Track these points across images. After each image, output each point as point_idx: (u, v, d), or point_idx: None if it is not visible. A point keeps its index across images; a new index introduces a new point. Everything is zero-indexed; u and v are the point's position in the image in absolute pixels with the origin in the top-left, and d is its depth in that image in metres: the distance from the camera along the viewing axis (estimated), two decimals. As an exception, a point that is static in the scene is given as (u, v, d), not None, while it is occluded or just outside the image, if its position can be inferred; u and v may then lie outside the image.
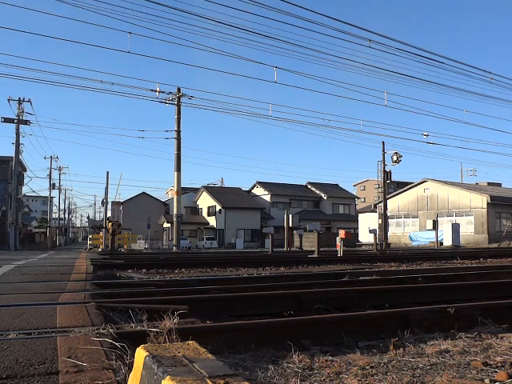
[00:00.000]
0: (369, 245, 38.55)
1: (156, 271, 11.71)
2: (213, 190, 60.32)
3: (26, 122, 36.56)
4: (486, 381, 2.88)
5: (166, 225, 58.61)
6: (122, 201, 54.06)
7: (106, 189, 30.99)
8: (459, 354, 3.57)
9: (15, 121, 36.25)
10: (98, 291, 6.51)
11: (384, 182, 34.58)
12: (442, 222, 38.88)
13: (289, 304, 5.93)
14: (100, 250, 28.35)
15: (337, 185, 67.71)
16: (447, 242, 36.61)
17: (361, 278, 9.10)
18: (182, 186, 32.73)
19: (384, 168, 34.27)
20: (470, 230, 41.60)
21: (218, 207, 56.04)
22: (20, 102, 36.07)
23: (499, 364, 3.23)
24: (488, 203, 40.83)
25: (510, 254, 20.17)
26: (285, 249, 28.87)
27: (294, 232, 29.95)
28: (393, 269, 12.61)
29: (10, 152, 39.62)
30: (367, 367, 3.18)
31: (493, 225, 41.25)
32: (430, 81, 42.80)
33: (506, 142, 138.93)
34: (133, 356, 2.57)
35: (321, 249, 20.72)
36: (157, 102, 29.23)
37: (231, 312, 5.52)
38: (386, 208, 35.28)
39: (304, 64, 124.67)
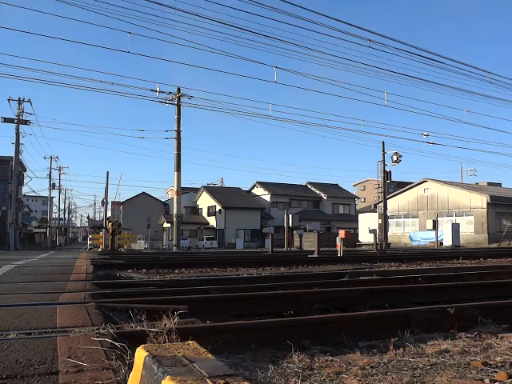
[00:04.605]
0: (369, 245, 38.54)
1: (156, 271, 11.71)
2: (213, 190, 60.32)
3: (25, 122, 36.55)
4: (486, 381, 2.88)
5: (166, 225, 58.60)
6: (121, 201, 54.05)
7: (106, 189, 31.00)
8: (459, 353, 3.57)
9: (15, 121, 36.24)
10: (97, 291, 6.51)
11: (384, 181, 34.60)
12: (441, 222, 38.86)
13: (289, 304, 5.92)
14: (100, 250, 28.33)
15: (337, 185, 67.71)
16: (447, 241, 36.60)
17: (361, 278, 9.10)
18: (182, 186, 32.73)
19: (384, 168, 34.31)
20: (470, 230, 41.59)
21: (218, 207, 56.03)
22: (20, 102, 36.07)
23: (499, 364, 3.23)
24: (488, 203, 40.83)
25: (510, 254, 20.18)
26: (285, 249, 28.86)
27: (294, 232, 29.92)
28: (393, 269, 12.61)
29: (10, 152, 39.67)
30: (367, 367, 3.18)
31: (493, 225, 41.23)
32: (430, 81, 42.72)
33: (506, 141, 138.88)
34: (133, 356, 2.57)
35: (321, 249, 20.72)
36: (157, 101, 29.26)
37: (231, 312, 5.52)
38: (386, 208, 35.30)
39: (304, 64, 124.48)
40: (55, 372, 2.65)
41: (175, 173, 31.21)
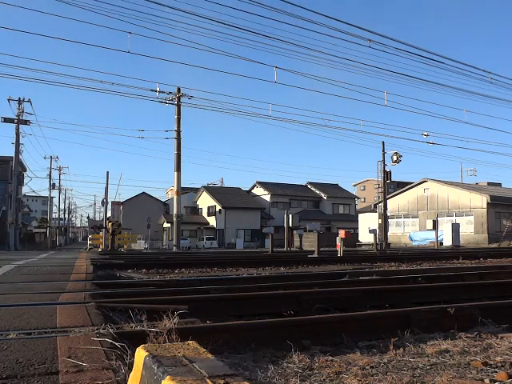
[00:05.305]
0: (369, 245, 38.53)
1: (156, 271, 11.70)
2: (213, 190, 60.33)
3: (25, 122, 36.55)
4: (486, 381, 2.88)
5: (165, 225, 58.61)
6: (122, 201, 54.07)
7: (106, 189, 30.99)
8: (459, 353, 3.57)
9: (15, 121, 36.23)
10: (97, 291, 6.51)
11: (384, 181, 34.61)
12: (441, 222, 38.85)
13: (289, 304, 5.92)
14: (100, 250, 28.33)
15: (337, 185, 67.71)
16: (447, 241, 36.59)
17: (361, 278, 9.10)
18: (182, 186, 32.73)
19: (384, 168, 34.32)
20: (470, 230, 41.58)
21: (218, 207, 56.03)
22: (20, 102, 36.06)
23: (499, 364, 3.23)
24: (488, 203, 40.82)
25: (510, 254, 20.18)
26: (285, 249, 28.85)
27: (294, 232, 29.92)
28: (393, 269, 12.60)
29: (10, 152, 39.67)
30: (367, 367, 3.18)
31: (493, 225, 41.22)
32: (430, 81, 42.73)
33: (506, 141, 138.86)
34: (133, 356, 2.57)
35: (321, 249, 20.72)
36: (157, 101, 29.28)
37: (231, 312, 5.51)
38: (386, 208, 35.30)
39: (304, 64, 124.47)
40: (55, 372, 2.65)
41: (175, 173, 31.21)
